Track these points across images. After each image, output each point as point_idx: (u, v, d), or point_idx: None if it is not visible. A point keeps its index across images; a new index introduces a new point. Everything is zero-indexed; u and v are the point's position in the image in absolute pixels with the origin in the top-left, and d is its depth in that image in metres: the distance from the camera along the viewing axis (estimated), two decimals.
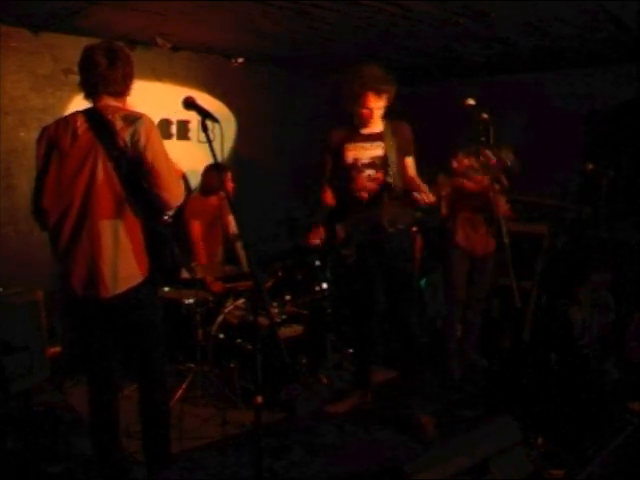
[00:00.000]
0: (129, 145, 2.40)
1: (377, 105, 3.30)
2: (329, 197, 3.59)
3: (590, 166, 4.62)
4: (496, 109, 3.11)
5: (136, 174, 2.43)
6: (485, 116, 2.97)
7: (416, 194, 3.23)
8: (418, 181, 3.47)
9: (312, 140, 6.08)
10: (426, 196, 3.23)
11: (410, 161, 3.51)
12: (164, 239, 2.55)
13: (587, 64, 5.35)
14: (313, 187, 3.71)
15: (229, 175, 4.46)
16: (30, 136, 4.35)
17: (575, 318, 4.67)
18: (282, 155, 5.80)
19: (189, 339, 3.92)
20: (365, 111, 3.32)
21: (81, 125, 2.44)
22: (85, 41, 4.23)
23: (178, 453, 3.16)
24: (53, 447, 3.23)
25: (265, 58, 5.46)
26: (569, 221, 5.06)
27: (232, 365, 3.74)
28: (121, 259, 2.43)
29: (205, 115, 2.30)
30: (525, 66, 5.58)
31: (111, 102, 2.49)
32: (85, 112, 2.48)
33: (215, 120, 2.30)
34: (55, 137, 2.45)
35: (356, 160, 3.42)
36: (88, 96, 2.50)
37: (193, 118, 5.03)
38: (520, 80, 5.88)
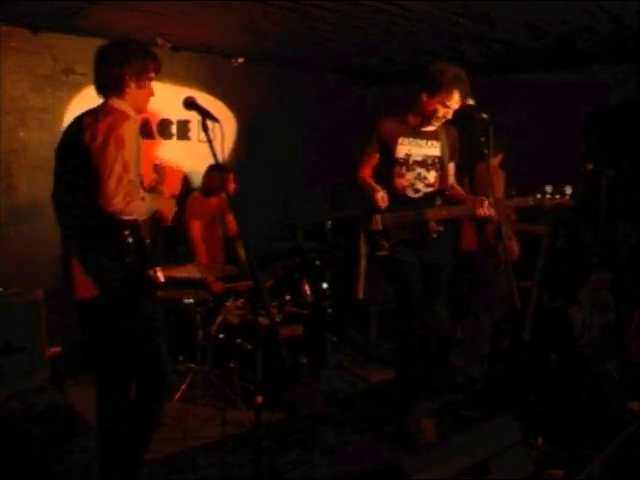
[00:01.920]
0: (88, 143, 2.32)
1: (457, 106, 3.18)
2: (370, 181, 3.37)
3: (590, 166, 4.62)
4: (496, 109, 3.11)
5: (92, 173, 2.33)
6: (485, 116, 2.97)
7: (480, 208, 3.15)
8: (460, 189, 3.46)
9: (312, 140, 6.12)
10: (488, 209, 3.16)
11: (453, 167, 3.45)
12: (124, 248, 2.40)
13: (587, 64, 5.35)
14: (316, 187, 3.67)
15: (231, 176, 4.46)
16: (30, 136, 4.36)
17: (575, 318, 4.67)
18: (282, 155, 5.80)
19: (189, 339, 3.92)
20: (444, 109, 3.19)
21: (70, 127, 2.48)
22: (85, 41, 4.27)
23: (178, 453, 3.17)
24: (53, 447, 3.23)
25: (265, 58, 5.46)
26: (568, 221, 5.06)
27: (232, 365, 3.74)
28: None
29: (205, 115, 2.31)
30: (525, 66, 5.57)
31: (112, 101, 2.47)
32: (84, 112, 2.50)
33: (215, 120, 2.30)
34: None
35: (408, 156, 3.29)
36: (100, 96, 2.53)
37: (193, 118, 5.02)
38: (520, 80, 5.88)
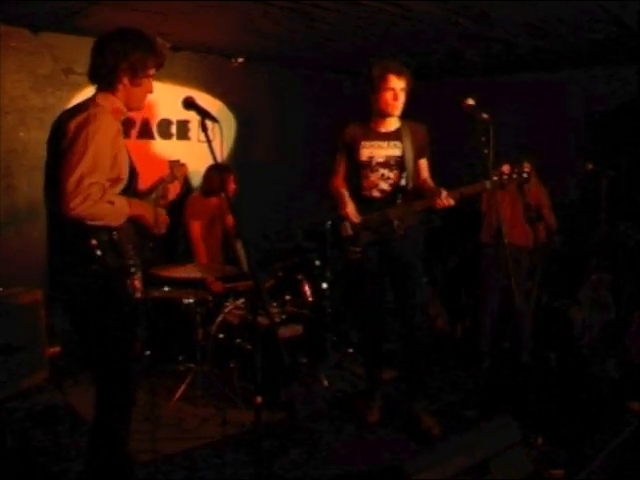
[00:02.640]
0: (61, 139, 2.20)
1: (399, 86, 3.29)
2: (342, 191, 3.53)
3: (590, 166, 4.62)
4: (496, 109, 3.11)
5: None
6: (485, 116, 2.96)
7: (438, 199, 3.23)
8: (431, 183, 3.47)
9: (312, 140, 6.12)
10: (446, 200, 3.23)
11: (424, 163, 3.50)
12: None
13: (587, 64, 5.35)
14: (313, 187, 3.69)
15: (231, 176, 4.46)
16: (30, 136, 4.36)
17: (575, 318, 4.68)
18: (282, 155, 5.80)
19: (189, 339, 3.92)
20: (388, 93, 3.30)
21: (55, 119, 2.34)
22: (85, 41, 4.25)
23: (178, 453, 3.17)
24: (53, 447, 3.22)
25: (265, 58, 5.46)
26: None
27: (232, 365, 3.74)
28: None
29: (204, 115, 2.30)
30: (525, 66, 5.57)
31: (98, 96, 2.33)
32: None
33: (214, 120, 2.29)
34: None
35: (371, 158, 3.41)
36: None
37: (193, 118, 5.03)
38: (520, 80, 5.88)
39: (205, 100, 5.18)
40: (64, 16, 3.94)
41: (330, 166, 3.64)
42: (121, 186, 2.33)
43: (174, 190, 2.67)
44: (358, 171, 3.45)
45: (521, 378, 4.05)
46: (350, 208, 3.42)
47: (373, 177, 3.41)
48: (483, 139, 2.90)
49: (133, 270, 2.31)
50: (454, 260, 5.51)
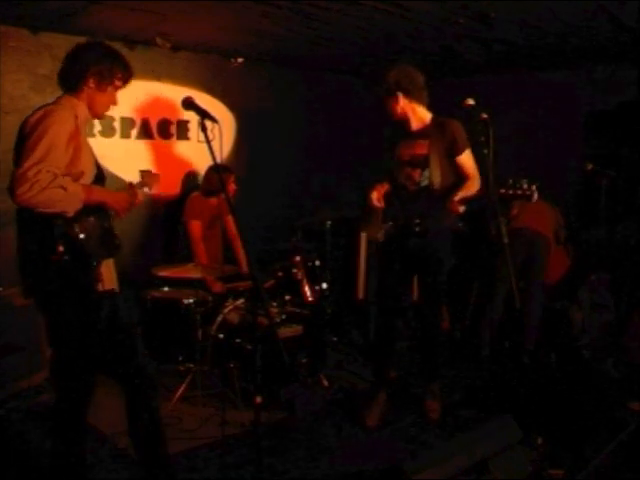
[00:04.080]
0: (22, 134, 2.31)
1: (388, 104, 3.37)
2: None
3: (590, 166, 4.62)
4: (496, 109, 3.11)
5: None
6: (485, 116, 2.96)
7: (449, 203, 3.23)
8: (474, 180, 3.38)
9: (312, 140, 6.12)
10: (454, 206, 3.23)
11: (463, 159, 3.39)
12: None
13: (587, 64, 5.35)
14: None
15: (232, 177, 4.46)
16: None
17: (575, 318, 4.68)
18: (282, 155, 5.80)
19: (189, 339, 3.92)
20: (400, 111, 3.39)
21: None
22: (85, 41, 4.27)
23: (178, 453, 3.17)
24: (53, 447, 3.22)
25: (265, 58, 5.46)
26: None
27: (232, 365, 3.74)
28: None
29: (204, 115, 2.31)
30: (525, 66, 5.57)
31: (62, 98, 2.46)
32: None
33: (214, 120, 2.30)
34: None
35: (400, 157, 3.46)
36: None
37: (193, 118, 5.03)
38: (520, 80, 5.88)
39: (205, 100, 5.17)
40: (64, 16, 3.94)
41: (332, 164, 3.67)
42: (86, 180, 2.39)
43: (141, 196, 2.71)
44: (393, 170, 3.52)
45: (521, 378, 4.05)
46: (379, 190, 3.45)
47: (400, 175, 3.47)
48: (482, 139, 2.90)
49: (95, 263, 2.35)
50: (454, 260, 5.50)
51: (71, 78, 2.46)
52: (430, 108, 3.51)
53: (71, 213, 2.26)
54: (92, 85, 2.44)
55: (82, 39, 2.61)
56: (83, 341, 2.43)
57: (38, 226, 2.25)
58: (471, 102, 3.01)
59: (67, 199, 2.23)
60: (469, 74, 5.99)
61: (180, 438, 3.32)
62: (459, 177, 3.39)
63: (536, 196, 2.88)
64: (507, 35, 4.40)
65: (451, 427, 3.54)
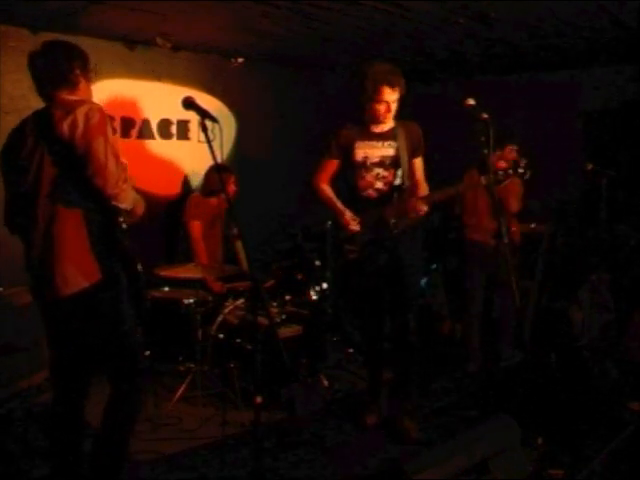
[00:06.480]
0: (67, 135, 2.26)
1: (392, 98, 3.28)
2: (328, 193, 3.55)
3: (590, 166, 4.62)
4: (496, 109, 3.11)
5: (79, 165, 2.29)
6: (485, 116, 2.96)
7: (409, 206, 3.27)
8: (424, 185, 3.47)
9: (312, 140, 6.11)
10: (418, 206, 3.26)
11: (418, 162, 3.48)
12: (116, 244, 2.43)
13: (587, 64, 5.35)
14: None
15: (232, 178, 4.46)
16: None
17: (575, 318, 4.68)
18: (282, 155, 5.80)
19: (189, 339, 3.92)
20: (381, 106, 3.28)
21: (28, 127, 2.41)
22: (85, 41, 4.27)
23: (178, 453, 3.17)
24: (51, 447, 3.22)
25: (265, 58, 5.46)
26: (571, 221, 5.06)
27: (232, 365, 3.74)
28: (59, 262, 2.39)
29: (204, 115, 2.30)
30: (525, 66, 5.58)
31: (64, 95, 2.40)
32: (33, 113, 2.44)
33: (214, 120, 2.30)
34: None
35: (365, 158, 3.40)
36: (45, 99, 2.44)
37: (193, 118, 5.02)
38: (520, 80, 5.88)
39: (205, 100, 5.17)
40: (64, 16, 3.94)
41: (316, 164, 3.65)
42: None
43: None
44: (354, 172, 3.44)
45: (521, 378, 4.05)
46: (348, 215, 3.40)
47: (368, 177, 3.41)
48: (483, 139, 2.90)
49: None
50: (454, 261, 5.51)
51: (62, 77, 2.40)
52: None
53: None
54: (82, 79, 2.45)
55: (82, 39, 2.62)
56: (89, 342, 2.44)
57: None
58: (471, 102, 3.01)
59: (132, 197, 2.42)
60: (469, 74, 6.00)
61: (180, 438, 3.32)
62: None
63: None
64: (507, 35, 4.41)
65: (451, 427, 3.54)
